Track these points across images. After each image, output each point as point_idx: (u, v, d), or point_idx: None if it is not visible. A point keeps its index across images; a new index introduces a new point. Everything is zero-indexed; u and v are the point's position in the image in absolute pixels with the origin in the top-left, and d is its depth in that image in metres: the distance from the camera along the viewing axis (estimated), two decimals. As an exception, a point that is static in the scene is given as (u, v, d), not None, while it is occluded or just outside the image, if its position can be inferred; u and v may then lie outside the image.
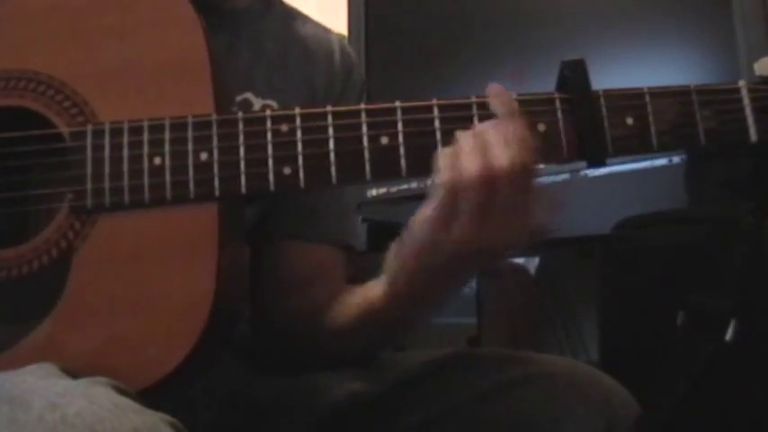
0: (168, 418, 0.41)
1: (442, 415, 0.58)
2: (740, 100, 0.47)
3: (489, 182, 0.45)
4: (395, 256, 0.51)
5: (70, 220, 0.49)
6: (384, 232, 0.64)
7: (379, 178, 0.48)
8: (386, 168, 0.48)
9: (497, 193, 0.45)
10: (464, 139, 0.46)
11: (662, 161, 1.05)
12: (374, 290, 0.56)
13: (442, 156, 0.46)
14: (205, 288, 0.47)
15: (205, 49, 0.50)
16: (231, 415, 0.60)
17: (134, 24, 0.51)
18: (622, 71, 0.99)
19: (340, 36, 0.72)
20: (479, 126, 0.46)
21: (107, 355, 0.47)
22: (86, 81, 0.50)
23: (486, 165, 0.45)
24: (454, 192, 0.45)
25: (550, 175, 1.10)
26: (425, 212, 0.47)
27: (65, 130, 0.50)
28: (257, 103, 0.61)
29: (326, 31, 0.70)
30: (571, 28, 1.04)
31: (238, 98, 0.60)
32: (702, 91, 0.47)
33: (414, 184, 1.11)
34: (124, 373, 0.44)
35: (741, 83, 0.47)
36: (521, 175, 0.45)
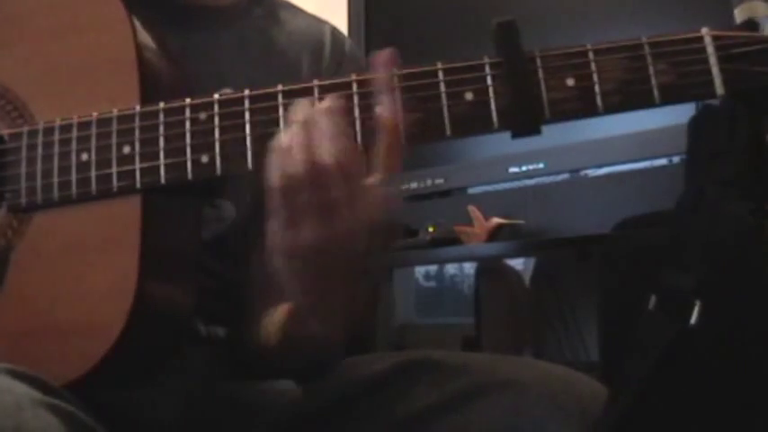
0: (50, 400, 0.34)
1: (405, 423, 0.46)
2: (703, 49, 0.34)
3: (317, 181, 0.35)
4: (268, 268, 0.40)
5: (9, 219, 0.44)
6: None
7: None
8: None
9: (330, 190, 0.35)
10: (292, 132, 0.36)
11: (662, 161, 0.92)
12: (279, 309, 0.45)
13: (273, 153, 0.36)
14: (127, 283, 0.40)
15: (132, 46, 0.43)
16: (195, 414, 0.50)
17: (68, 27, 0.46)
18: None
19: (334, 27, 0.62)
20: (315, 110, 0.36)
21: (37, 348, 0.41)
22: (26, 85, 0.45)
23: (311, 163, 0.35)
24: (286, 194, 0.36)
25: (550, 175, 0.98)
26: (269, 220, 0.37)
27: (3, 132, 0.44)
28: None
29: (319, 21, 0.61)
30: (571, 24, 0.92)
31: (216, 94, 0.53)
32: (656, 43, 0.35)
33: (414, 184, 1.00)
34: (53, 367, 0.38)
35: (704, 30, 0.35)
36: (352, 170, 0.35)
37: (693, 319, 0.31)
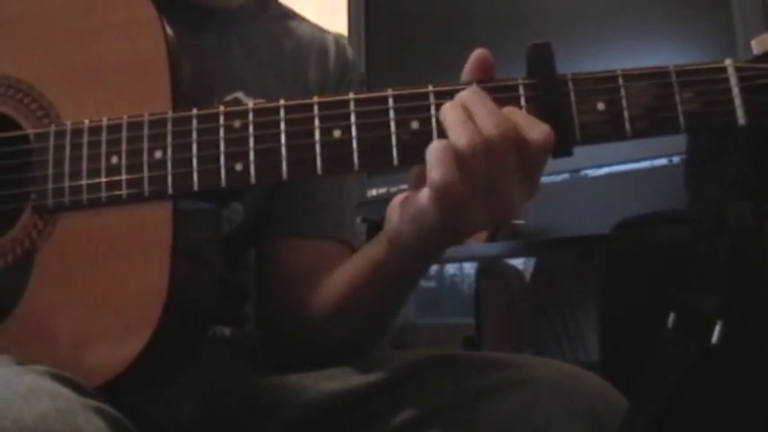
0: (95, 403, 0.36)
1: (418, 421, 0.49)
2: (726, 80, 0.37)
3: (478, 151, 0.37)
4: (397, 223, 0.44)
5: (34, 220, 0.45)
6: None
7: (330, 173, 0.40)
8: (337, 163, 0.40)
9: (491, 162, 0.38)
10: (446, 113, 0.39)
11: (662, 161, 0.95)
12: (374, 248, 0.49)
13: (433, 150, 0.38)
14: (158, 286, 0.42)
15: (164, 48, 0.44)
16: (210, 412, 0.53)
17: (97, 26, 0.46)
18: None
19: (338, 35, 0.65)
20: (461, 94, 0.39)
21: (65, 352, 0.42)
22: (52, 84, 0.46)
23: (472, 134, 0.37)
24: (450, 186, 0.38)
25: (550, 175, 1.01)
26: (421, 203, 0.40)
27: (30, 131, 0.45)
28: (248, 102, 0.55)
29: (323, 31, 0.64)
30: (572, 26, 0.94)
31: (228, 97, 0.55)
32: (683, 71, 0.38)
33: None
34: (82, 370, 0.40)
35: (728, 61, 0.38)
36: (514, 145, 0.37)
37: (715, 338, 0.34)
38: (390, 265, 0.48)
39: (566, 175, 1.01)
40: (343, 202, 0.60)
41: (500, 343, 0.99)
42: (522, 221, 0.98)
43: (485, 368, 0.49)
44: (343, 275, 0.53)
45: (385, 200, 0.97)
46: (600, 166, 0.99)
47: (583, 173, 1.01)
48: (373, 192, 0.98)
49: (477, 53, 0.39)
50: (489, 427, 0.47)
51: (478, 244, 0.94)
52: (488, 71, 0.40)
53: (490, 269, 1.05)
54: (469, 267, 1.16)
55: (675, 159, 0.91)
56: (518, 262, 1.09)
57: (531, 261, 1.08)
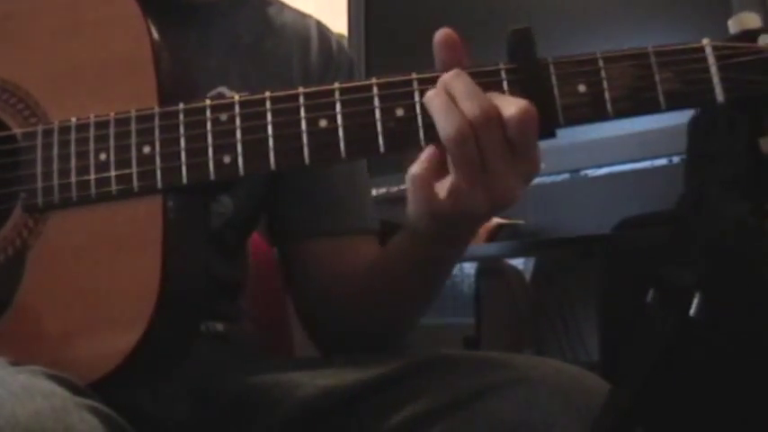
0: (89, 402, 0.36)
1: (417, 420, 0.49)
2: (704, 59, 0.38)
3: (467, 137, 0.38)
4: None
5: (24, 219, 0.46)
6: (384, 232, 0.58)
7: (318, 163, 0.41)
8: (325, 152, 0.41)
9: (480, 144, 0.39)
10: (431, 101, 0.40)
11: (662, 161, 0.96)
12: (399, 236, 0.51)
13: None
14: (150, 280, 0.42)
15: (148, 44, 0.46)
16: (206, 410, 0.53)
17: (81, 24, 0.47)
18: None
19: (319, 21, 0.65)
20: (443, 77, 0.40)
21: (59, 350, 0.43)
22: (38, 83, 0.47)
23: (459, 120, 0.38)
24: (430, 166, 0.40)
25: (550, 175, 1.02)
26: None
27: (17, 131, 0.46)
28: (233, 96, 0.57)
29: (304, 16, 0.65)
30: (570, 25, 0.96)
31: (212, 92, 0.56)
32: (662, 52, 0.39)
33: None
34: (77, 367, 0.41)
35: (705, 41, 0.39)
36: (497, 124, 0.39)
37: (693, 311, 0.35)
38: (414, 249, 0.49)
39: (566, 175, 1.02)
40: (359, 191, 0.61)
41: (500, 343, 0.99)
42: (522, 221, 0.99)
43: (484, 368, 0.49)
44: (373, 260, 0.55)
45: (385, 200, 0.99)
46: (600, 166, 1.00)
47: (583, 173, 1.02)
48: (373, 192, 0.99)
49: (438, 35, 0.41)
50: (488, 426, 0.47)
51: (478, 244, 0.95)
52: (456, 50, 0.40)
53: (490, 269, 1.06)
54: (469, 267, 1.17)
55: (675, 159, 0.92)
56: (518, 262, 1.10)
57: (531, 261, 1.09)
